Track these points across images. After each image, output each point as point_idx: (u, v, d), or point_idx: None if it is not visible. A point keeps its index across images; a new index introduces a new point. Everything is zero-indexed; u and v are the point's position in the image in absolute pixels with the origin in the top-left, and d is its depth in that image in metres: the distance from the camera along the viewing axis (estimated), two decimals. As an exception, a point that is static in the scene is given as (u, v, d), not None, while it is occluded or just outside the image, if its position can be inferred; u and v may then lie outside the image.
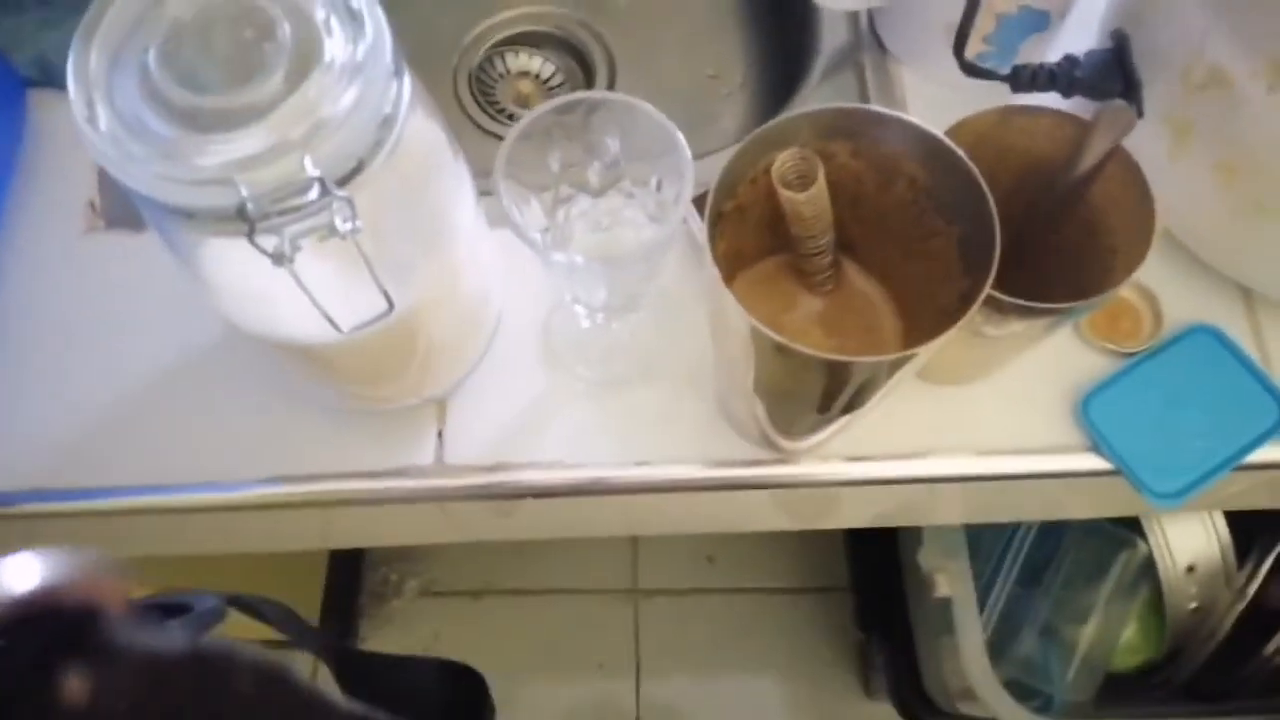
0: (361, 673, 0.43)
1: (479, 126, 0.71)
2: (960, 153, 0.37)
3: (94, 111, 0.29)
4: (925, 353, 0.35)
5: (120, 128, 0.30)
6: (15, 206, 0.54)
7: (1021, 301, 0.39)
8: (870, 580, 1.09)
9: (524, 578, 1.21)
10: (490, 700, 0.43)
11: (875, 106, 0.37)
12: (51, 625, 0.25)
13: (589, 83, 0.73)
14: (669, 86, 0.72)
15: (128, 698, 0.25)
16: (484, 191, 0.42)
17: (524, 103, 0.73)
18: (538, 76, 0.74)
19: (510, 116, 0.72)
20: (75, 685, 0.24)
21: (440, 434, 0.49)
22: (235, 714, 0.27)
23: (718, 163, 0.38)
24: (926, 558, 0.76)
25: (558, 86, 0.74)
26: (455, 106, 0.72)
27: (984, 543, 0.81)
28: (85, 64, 0.30)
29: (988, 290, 0.35)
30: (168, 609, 0.36)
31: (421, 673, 0.44)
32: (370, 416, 0.49)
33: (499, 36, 0.75)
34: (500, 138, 0.70)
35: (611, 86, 0.73)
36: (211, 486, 0.48)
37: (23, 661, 0.24)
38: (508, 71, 0.74)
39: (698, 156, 0.57)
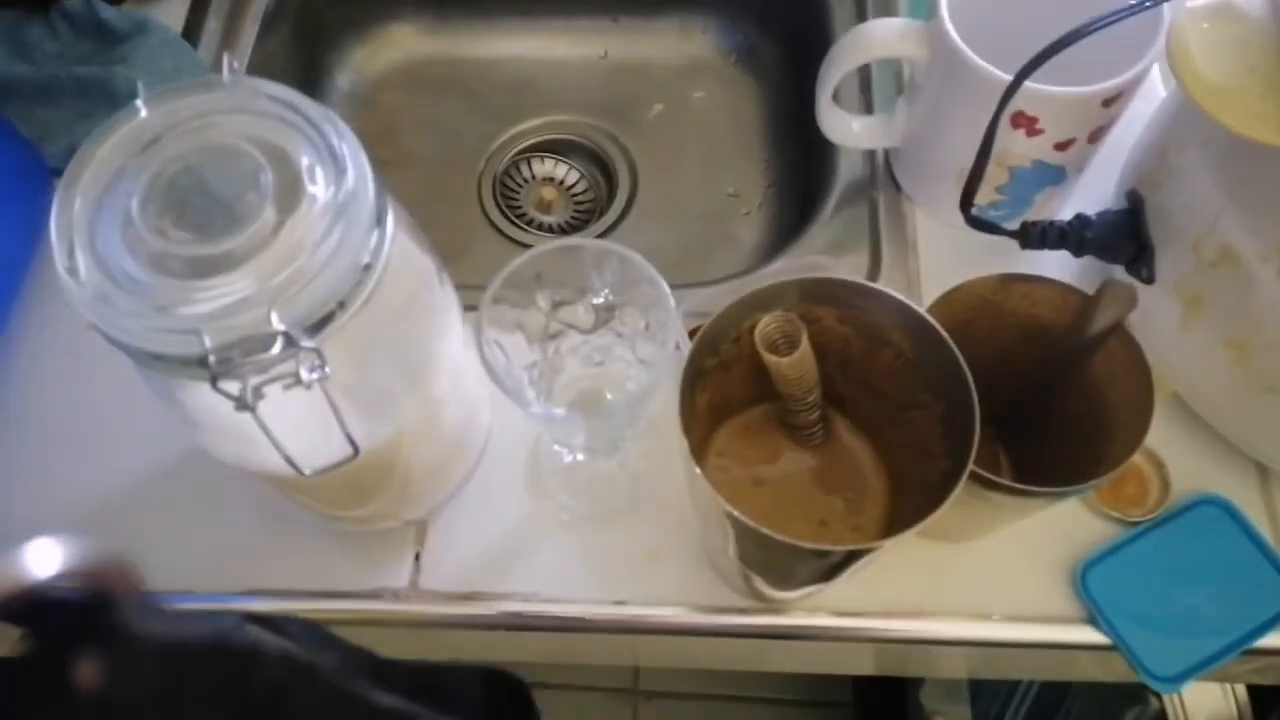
0: (399, 682, 0.42)
1: (498, 230, 0.72)
2: (943, 332, 0.36)
3: (74, 261, 0.30)
4: (906, 537, 0.34)
5: (101, 276, 0.30)
6: (31, 295, 0.55)
7: (1010, 484, 0.37)
8: (874, 700, 1.05)
9: (520, 673, 1.18)
10: (535, 706, 0.42)
11: (860, 280, 0.36)
12: (69, 610, 0.25)
13: (611, 192, 0.74)
14: (689, 202, 0.72)
15: (144, 684, 0.25)
16: (472, 306, 0.40)
17: (546, 209, 0.74)
18: (561, 183, 0.75)
19: (530, 221, 0.73)
20: (89, 669, 0.24)
21: (418, 556, 0.48)
22: (261, 705, 0.27)
23: (725, 292, 0.37)
24: (928, 699, 0.73)
25: (581, 194, 0.75)
26: (477, 208, 0.73)
27: (988, 687, 0.78)
28: (69, 211, 0.30)
29: (966, 475, 0.34)
30: None
31: (460, 678, 0.43)
32: (348, 534, 0.49)
33: (526, 143, 0.76)
34: (518, 243, 0.71)
35: (633, 197, 0.73)
36: (186, 597, 0.47)
37: (39, 644, 0.24)
38: (533, 177, 0.75)
39: (708, 283, 0.58)
